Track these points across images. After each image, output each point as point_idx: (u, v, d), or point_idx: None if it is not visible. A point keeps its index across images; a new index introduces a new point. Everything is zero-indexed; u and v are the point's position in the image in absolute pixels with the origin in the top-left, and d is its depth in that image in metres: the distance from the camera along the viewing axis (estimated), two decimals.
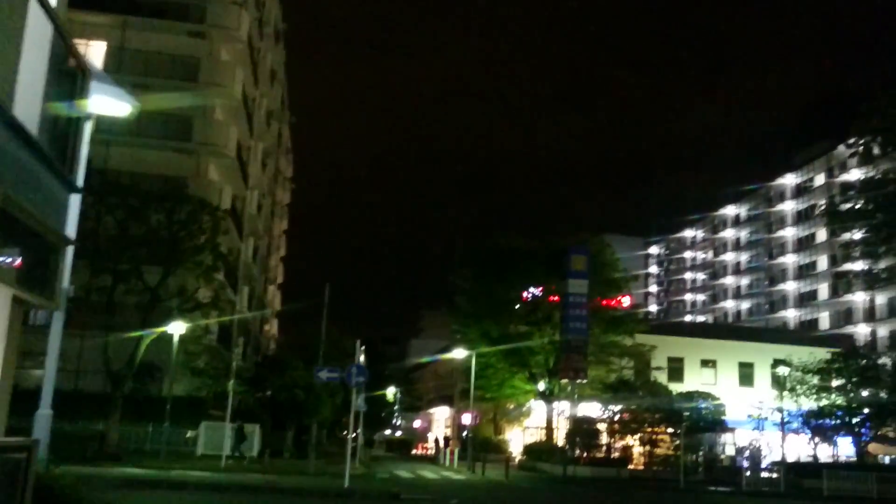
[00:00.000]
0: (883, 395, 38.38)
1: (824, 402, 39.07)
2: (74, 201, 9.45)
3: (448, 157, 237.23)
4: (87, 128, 9.99)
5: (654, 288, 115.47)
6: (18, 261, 7.91)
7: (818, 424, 38.97)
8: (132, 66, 37.61)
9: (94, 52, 36.47)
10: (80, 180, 9.46)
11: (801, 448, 41.79)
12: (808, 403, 39.64)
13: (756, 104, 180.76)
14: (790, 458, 38.41)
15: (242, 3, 40.73)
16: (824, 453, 40.70)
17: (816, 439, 39.68)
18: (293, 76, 68.92)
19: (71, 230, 9.45)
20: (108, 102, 10.80)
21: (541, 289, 42.57)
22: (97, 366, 29.77)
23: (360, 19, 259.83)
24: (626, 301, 46.03)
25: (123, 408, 28.92)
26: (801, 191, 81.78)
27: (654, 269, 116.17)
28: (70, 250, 9.34)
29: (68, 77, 8.79)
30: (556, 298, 41.59)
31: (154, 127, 37.16)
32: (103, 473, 19.95)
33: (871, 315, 70.17)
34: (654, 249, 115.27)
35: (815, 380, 39.87)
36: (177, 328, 28.72)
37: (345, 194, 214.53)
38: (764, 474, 34.98)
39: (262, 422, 35.33)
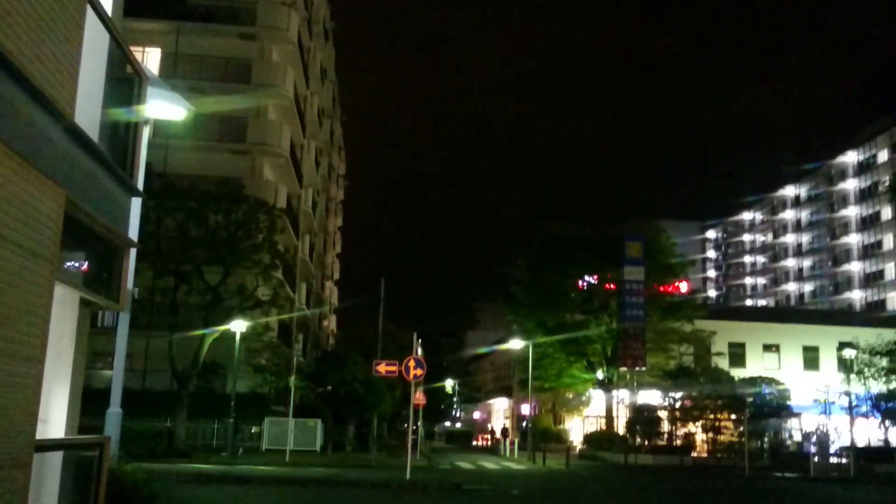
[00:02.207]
0: None
1: (894, 385, 38.02)
2: (135, 205, 9.70)
3: (498, 148, 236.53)
4: (146, 132, 10.25)
5: (712, 273, 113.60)
6: (85, 264, 8.17)
7: (888, 407, 37.93)
8: (186, 70, 38.35)
9: (150, 58, 37.27)
10: (140, 184, 9.70)
11: (870, 432, 40.73)
12: (877, 386, 38.63)
13: (814, 80, 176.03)
14: (859, 443, 37.47)
15: (291, 4, 41.17)
16: (895, 437, 39.61)
17: (887, 423, 38.62)
18: (343, 74, 69.63)
19: (133, 233, 9.71)
20: (164, 107, 11.08)
21: (596, 277, 42.25)
22: (163, 365, 30.51)
23: (407, 14, 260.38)
24: (683, 287, 45.37)
25: (189, 405, 29.60)
26: (863, 168, 79.42)
27: (711, 253, 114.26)
28: (133, 253, 9.59)
29: (126, 83, 9.02)
30: (613, 286, 41.25)
31: (209, 129, 37.84)
32: (172, 469, 20.51)
33: None
34: (711, 233, 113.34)
35: (884, 362, 38.82)
36: (238, 326, 29.25)
37: (397, 189, 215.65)
38: (832, 459, 34.20)
39: (324, 416, 35.81)
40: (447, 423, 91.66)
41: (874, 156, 77.53)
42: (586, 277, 42.55)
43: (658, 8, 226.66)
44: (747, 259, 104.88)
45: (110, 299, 8.64)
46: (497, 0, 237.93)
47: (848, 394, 37.10)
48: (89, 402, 10.21)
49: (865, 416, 38.91)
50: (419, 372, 22.80)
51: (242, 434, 32.91)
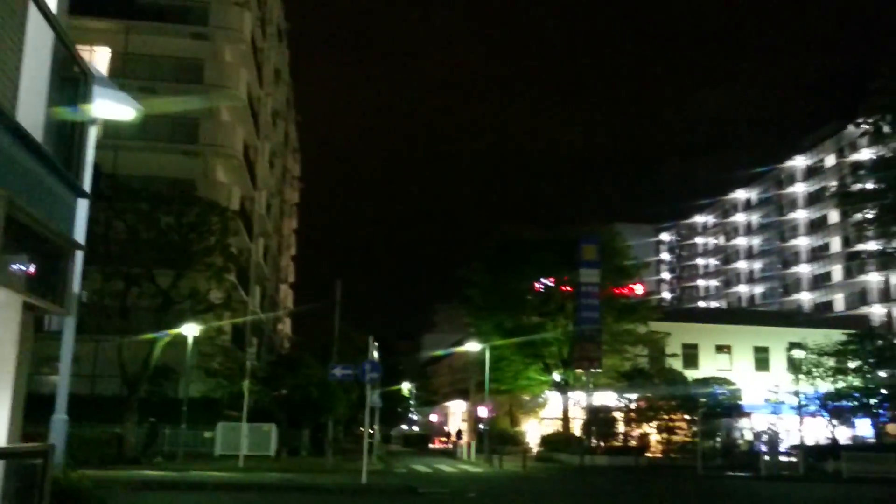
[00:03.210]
0: None
1: (841, 385, 38.91)
2: (82, 206, 9.48)
3: (456, 151, 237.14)
4: (93, 132, 10.03)
5: (666, 275, 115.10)
6: (28, 267, 7.94)
7: (836, 407, 38.81)
8: (137, 70, 37.67)
9: (99, 57, 36.54)
10: (86, 185, 9.48)
11: (819, 431, 41.63)
12: (825, 386, 39.48)
13: (764, 87, 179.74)
14: (808, 442, 38.28)
15: (244, 4, 40.72)
16: (843, 435, 40.54)
17: (834, 422, 39.51)
18: (298, 75, 69.06)
19: (80, 235, 9.49)
20: (112, 107, 10.85)
21: (553, 279, 42.52)
22: (113, 370, 29.91)
23: (364, 15, 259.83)
24: (638, 289, 45.92)
25: (140, 411, 29.05)
26: (811, 172, 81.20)
27: (665, 255, 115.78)
28: (79, 255, 9.37)
29: (72, 83, 8.81)
30: (569, 288, 41.55)
31: (161, 130, 37.22)
32: (121, 476, 20.07)
33: (886, 295, 69.70)
34: (665, 236, 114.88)
35: (832, 362, 39.69)
36: (190, 330, 28.81)
37: (354, 191, 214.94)
38: (782, 458, 34.89)
39: (279, 421, 35.44)
40: (404, 427, 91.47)
41: (822, 160, 79.31)
42: (543, 280, 42.80)
43: (614, 11, 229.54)
44: (700, 261, 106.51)
45: (55, 303, 8.42)
46: (455, 2, 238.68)
47: (797, 393, 37.88)
48: (35, 409, 9.93)
49: (814, 415, 39.74)
50: (375, 375, 22.68)
51: (194, 439, 32.40)
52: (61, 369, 10.82)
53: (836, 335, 41.82)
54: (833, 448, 35.93)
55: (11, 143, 6.63)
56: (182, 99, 35.83)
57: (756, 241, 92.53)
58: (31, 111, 7.22)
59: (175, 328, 28.51)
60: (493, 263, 44.91)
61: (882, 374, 38.80)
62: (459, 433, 59.08)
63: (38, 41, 7.26)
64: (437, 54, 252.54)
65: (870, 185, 39.51)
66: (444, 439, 66.46)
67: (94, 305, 28.67)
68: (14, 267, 7.53)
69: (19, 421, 8.32)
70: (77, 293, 9.62)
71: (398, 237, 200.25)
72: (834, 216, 75.13)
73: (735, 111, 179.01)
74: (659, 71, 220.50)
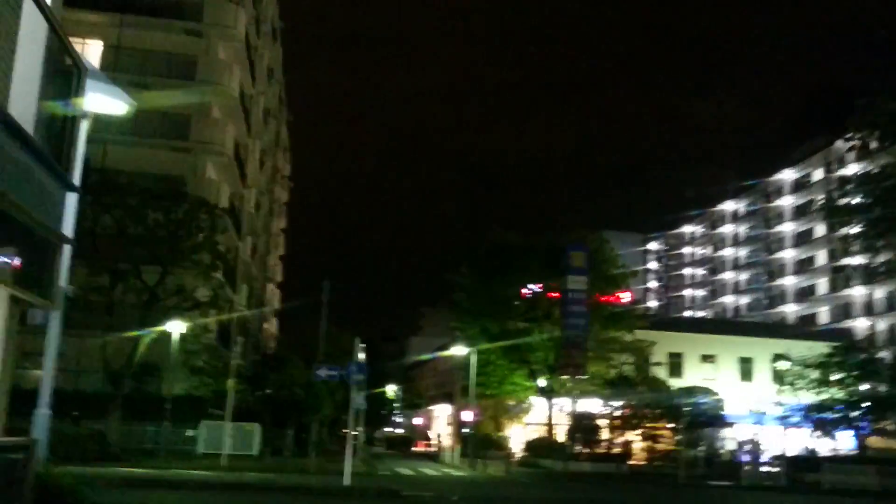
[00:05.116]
0: (882, 388, 38.42)
1: (824, 396, 39.11)
2: (71, 200, 9.42)
3: (445, 155, 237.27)
4: (84, 126, 9.97)
5: (653, 284, 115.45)
6: (16, 260, 7.88)
7: (818, 418, 39.01)
8: (129, 64, 37.48)
9: (91, 50, 36.33)
10: (76, 179, 9.43)
11: (801, 442, 41.83)
12: (808, 397, 39.68)
13: (753, 100, 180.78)
14: (790, 452, 38.47)
15: (239, 2, 40.62)
16: (825, 447, 40.75)
17: (817, 433, 39.71)
18: (291, 74, 68.82)
19: (68, 229, 9.43)
20: (104, 101, 10.78)
21: (540, 285, 42.55)
22: (97, 365, 29.74)
23: (358, 17, 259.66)
24: (625, 297, 46.00)
25: (123, 407, 28.88)
26: (799, 186, 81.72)
27: (653, 264, 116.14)
28: (68, 249, 9.31)
29: (64, 76, 8.77)
30: (556, 295, 41.59)
31: (151, 126, 37.07)
32: (103, 473, 19.91)
33: (869, 309, 70.18)
34: (653, 245, 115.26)
35: (815, 374, 39.88)
36: (176, 327, 28.68)
37: (343, 192, 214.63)
38: (764, 468, 35.04)
39: (263, 420, 35.30)
40: (388, 429, 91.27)
41: (809, 174, 79.84)
42: (530, 286, 42.82)
43: (604, 21, 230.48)
44: (687, 271, 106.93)
45: (42, 297, 8.38)
46: (446, 5, 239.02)
47: (780, 404, 38.06)
48: (18, 403, 9.86)
49: (797, 426, 39.94)
50: (360, 377, 22.64)
51: (177, 437, 32.23)
52: (45, 364, 10.72)
53: (820, 347, 42.05)
54: (815, 459, 36.10)
55: (2, 135, 6.59)
56: (174, 95, 35.67)
57: (743, 253, 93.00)
58: (23, 103, 7.18)
59: (160, 325, 28.39)
60: (480, 268, 44.91)
61: (864, 386, 39.03)
62: (439, 437, 59.22)
63: (31, 33, 7.22)
64: (429, 58, 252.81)
65: (856, 200, 39.73)
66: (426, 442, 66.36)
67: (80, 300, 28.49)
68: (1, 259, 7.49)
69: (2, 415, 8.27)
70: (64, 288, 9.55)
71: (386, 239, 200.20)
72: (820, 230, 75.60)
73: (724, 123, 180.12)
74: (649, 81, 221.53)
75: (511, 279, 42.57)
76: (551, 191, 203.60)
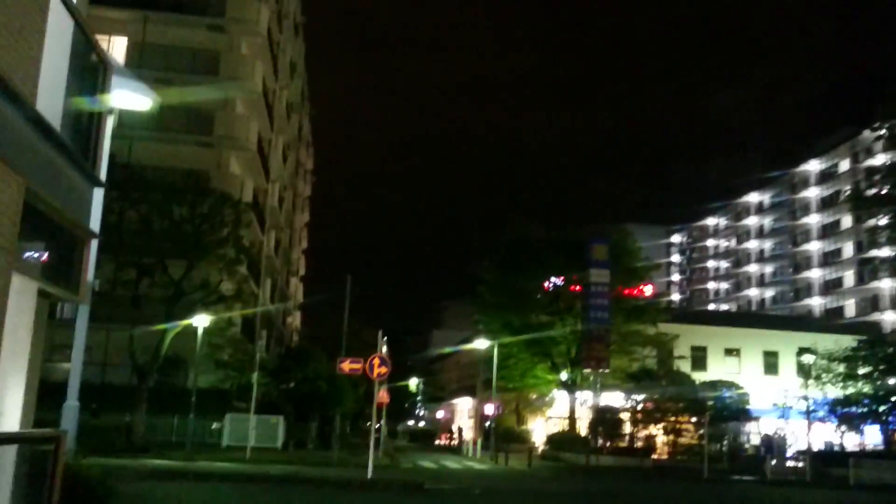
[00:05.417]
0: None
1: (850, 391, 38.72)
2: (98, 195, 9.54)
3: (468, 148, 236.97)
4: (109, 122, 10.09)
5: (676, 277, 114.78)
6: (44, 255, 8.01)
7: (844, 413, 38.63)
8: (153, 60, 37.82)
9: (116, 47, 36.74)
10: (102, 174, 9.54)
11: (827, 437, 41.45)
12: (834, 392, 39.30)
13: (778, 90, 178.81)
14: (816, 447, 38.13)
15: None
16: (851, 442, 40.34)
17: (843, 428, 39.33)
18: (313, 69, 69.07)
19: (95, 224, 9.55)
20: (129, 97, 10.92)
21: (562, 278, 42.50)
22: (123, 359, 30.08)
23: (379, 11, 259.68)
24: (648, 290, 45.82)
25: (149, 400, 29.22)
26: (825, 177, 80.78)
27: (676, 257, 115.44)
28: (94, 244, 9.43)
29: (90, 72, 8.87)
30: (578, 288, 41.50)
31: (176, 121, 37.39)
32: (130, 465, 20.20)
33: None
34: (676, 238, 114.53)
35: (841, 368, 39.51)
36: (201, 321, 28.93)
37: (366, 186, 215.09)
38: (789, 463, 34.75)
39: (286, 413, 35.55)
40: (410, 422, 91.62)
41: (835, 165, 78.90)
42: (552, 279, 42.78)
43: (627, 13, 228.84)
44: (711, 264, 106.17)
45: (70, 291, 8.49)
46: (471, 1, 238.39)
47: (806, 398, 37.72)
48: (47, 396, 10.01)
49: (822, 420, 39.57)
50: (383, 370, 22.69)
51: (203, 429, 32.57)
52: (74, 357, 10.90)
53: (847, 341, 41.62)
54: (841, 454, 35.76)
55: (31, 131, 6.69)
56: (198, 90, 35.96)
57: (767, 245, 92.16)
58: (50, 100, 7.28)
59: (186, 319, 28.64)
60: (502, 261, 44.94)
61: (892, 380, 38.57)
62: (460, 430, 59.34)
63: (58, 30, 7.31)
64: (451, 49, 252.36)
65: (884, 191, 39.21)
66: (448, 435, 66.53)
67: (107, 294, 28.87)
68: (30, 254, 7.60)
69: (32, 407, 8.40)
70: (91, 282, 9.68)
71: (409, 232, 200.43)
72: (847, 221, 74.73)
73: (749, 113, 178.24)
74: (673, 71, 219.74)
75: (533, 272, 42.53)
76: (574, 184, 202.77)
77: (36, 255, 7.81)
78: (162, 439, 31.51)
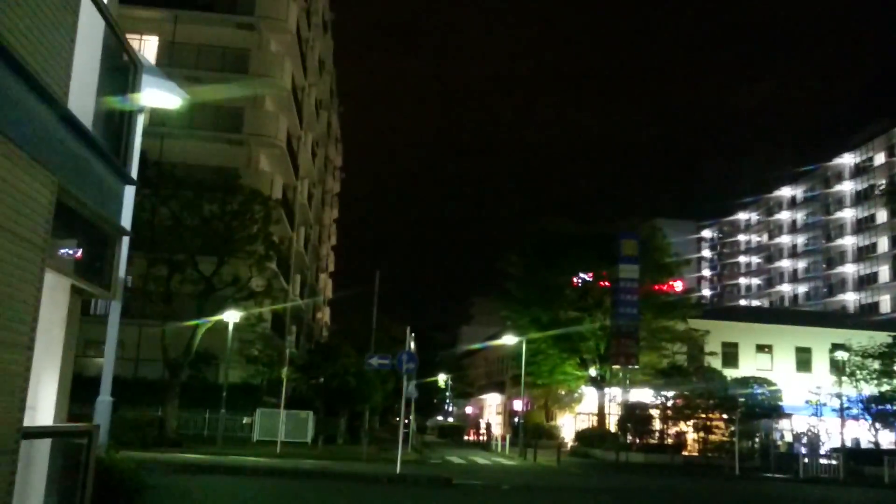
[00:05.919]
0: None
1: (885, 388, 38.17)
2: (129, 193, 9.67)
3: (497, 144, 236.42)
4: (140, 120, 10.21)
5: (707, 272, 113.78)
6: (77, 252, 8.13)
7: (879, 410, 38.08)
8: (183, 59, 38.17)
9: (147, 46, 37.11)
10: (133, 172, 9.66)
11: (861, 434, 40.87)
12: (869, 389, 38.74)
13: (811, 83, 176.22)
14: (850, 445, 37.61)
15: None
16: (886, 439, 39.75)
17: (877, 425, 38.76)
18: (341, 66, 69.32)
19: (126, 221, 9.68)
20: (159, 95, 11.05)
21: (591, 274, 42.27)
22: (155, 354, 30.44)
23: (407, 7, 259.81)
24: (678, 285, 45.43)
25: (181, 395, 29.55)
26: (859, 170, 79.51)
27: (707, 252, 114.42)
28: (126, 241, 9.56)
29: (121, 71, 8.98)
30: (607, 284, 41.28)
31: (206, 119, 37.73)
32: (162, 458, 20.47)
33: None
34: (706, 233, 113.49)
35: (876, 364, 38.94)
36: (231, 316, 29.20)
37: (394, 182, 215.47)
38: (822, 461, 34.35)
39: (316, 408, 35.79)
40: (439, 418, 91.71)
41: (871, 158, 77.62)
42: (581, 274, 42.56)
43: (656, 6, 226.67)
44: (742, 259, 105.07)
45: (102, 287, 8.61)
46: None
47: (839, 396, 37.22)
48: (80, 390, 10.17)
49: (856, 418, 39.04)
50: (411, 366, 22.79)
51: (233, 424, 32.91)
52: (106, 352, 11.06)
53: (882, 337, 40.98)
54: (875, 452, 35.24)
55: (63, 130, 6.79)
56: (227, 88, 36.24)
57: (800, 240, 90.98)
58: (82, 99, 7.38)
59: (216, 314, 28.92)
60: (531, 257, 44.81)
61: None
62: (489, 426, 59.31)
63: (89, 30, 7.41)
64: (480, 45, 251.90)
65: None
66: (477, 431, 66.60)
67: (138, 290, 29.24)
68: (63, 251, 7.72)
69: (66, 401, 8.54)
70: (123, 278, 9.81)
71: (437, 229, 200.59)
72: (882, 215, 73.54)
73: (782, 107, 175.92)
74: (704, 65, 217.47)
75: (562, 268, 42.36)
76: (604, 178, 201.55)
77: (69, 252, 7.94)
78: (193, 434, 31.90)
